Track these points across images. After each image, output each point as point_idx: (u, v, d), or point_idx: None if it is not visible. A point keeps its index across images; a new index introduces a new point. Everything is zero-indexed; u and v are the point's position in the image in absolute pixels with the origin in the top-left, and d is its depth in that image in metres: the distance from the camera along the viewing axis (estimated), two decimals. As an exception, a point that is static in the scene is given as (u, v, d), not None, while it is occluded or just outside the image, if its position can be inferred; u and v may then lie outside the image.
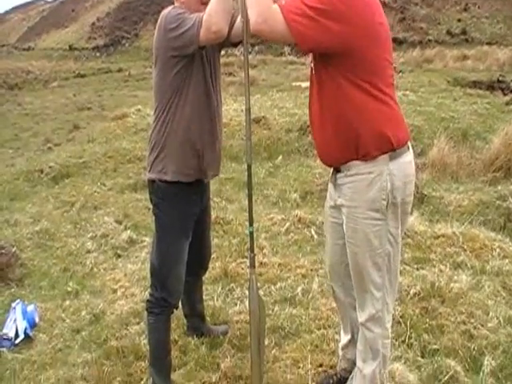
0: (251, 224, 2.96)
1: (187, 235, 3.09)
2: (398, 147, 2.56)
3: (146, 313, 3.18)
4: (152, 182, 3.04)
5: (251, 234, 2.97)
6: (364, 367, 2.84)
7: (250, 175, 2.89)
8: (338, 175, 2.68)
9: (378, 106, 2.52)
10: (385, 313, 2.75)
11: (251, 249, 2.95)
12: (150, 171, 3.04)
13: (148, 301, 3.14)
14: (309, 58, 2.77)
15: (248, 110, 2.81)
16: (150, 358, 3.21)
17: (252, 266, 2.93)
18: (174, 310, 3.21)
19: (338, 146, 2.59)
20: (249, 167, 2.89)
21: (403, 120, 2.69)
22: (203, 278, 3.73)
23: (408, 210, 2.71)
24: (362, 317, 2.77)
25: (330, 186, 2.83)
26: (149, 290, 3.19)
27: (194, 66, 2.87)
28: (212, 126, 3.01)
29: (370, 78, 2.50)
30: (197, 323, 3.71)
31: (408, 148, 2.65)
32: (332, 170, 2.77)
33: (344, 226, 2.69)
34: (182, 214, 3.04)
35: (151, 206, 3.19)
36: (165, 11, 2.86)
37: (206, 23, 2.66)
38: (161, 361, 3.17)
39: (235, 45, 3.05)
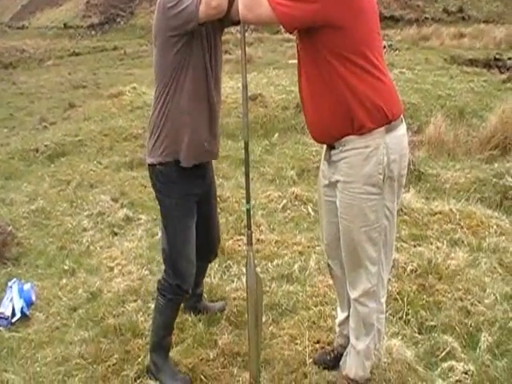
0: (248, 201, 2.96)
1: (192, 214, 3.06)
2: (394, 119, 2.56)
3: (156, 291, 3.16)
4: (153, 166, 3.01)
5: (248, 211, 2.97)
6: (357, 344, 2.85)
7: (247, 152, 2.88)
8: (333, 152, 2.67)
9: (369, 79, 2.52)
10: (379, 287, 2.77)
11: (248, 226, 2.96)
12: (150, 156, 3.01)
13: (160, 282, 3.12)
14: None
15: (245, 87, 2.79)
16: (152, 336, 3.21)
17: (249, 243, 2.93)
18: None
19: (333, 122, 2.58)
20: (246, 144, 2.87)
21: (395, 92, 2.69)
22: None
23: (403, 182, 2.72)
24: (354, 293, 2.78)
25: (324, 163, 2.80)
26: (163, 274, 3.14)
27: (194, 45, 2.82)
28: (210, 108, 2.98)
29: (360, 49, 2.49)
30: (194, 302, 3.72)
31: (401, 121, 2.66)
32: (325, 147, 2.76)
33: (338, 202, 2.68)
34: (184, 195, 3.00)
35: (153, 192, 3.17)
36: None
37: None
38: (162, 340, 3.17)
39: (236, 24, 2.96)
